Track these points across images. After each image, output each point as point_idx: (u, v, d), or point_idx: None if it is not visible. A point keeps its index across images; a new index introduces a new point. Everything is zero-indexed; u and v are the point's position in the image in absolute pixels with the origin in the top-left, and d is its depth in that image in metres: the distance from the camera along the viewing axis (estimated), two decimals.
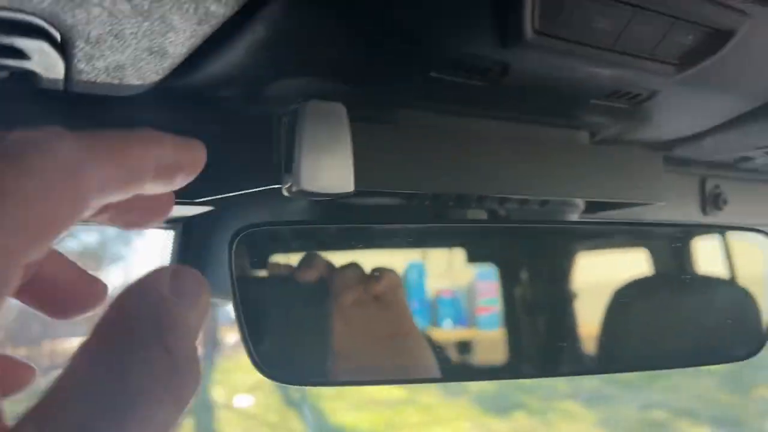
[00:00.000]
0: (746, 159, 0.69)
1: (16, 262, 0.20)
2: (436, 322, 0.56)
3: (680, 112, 0.54)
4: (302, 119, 0.40)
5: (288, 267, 0.46)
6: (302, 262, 0.47)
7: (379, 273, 0.50)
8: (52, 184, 0.21)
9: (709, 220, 0.76)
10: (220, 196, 0.48)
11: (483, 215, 0.54)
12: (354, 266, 0.48)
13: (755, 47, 0.46)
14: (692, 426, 5.68)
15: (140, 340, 0.21)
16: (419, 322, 0.53)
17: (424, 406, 5.95)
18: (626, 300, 0.54)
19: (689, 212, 0.76)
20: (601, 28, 0.40)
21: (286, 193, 0.42)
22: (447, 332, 0.56)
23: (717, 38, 0.44)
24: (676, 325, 0.55)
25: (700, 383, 6.31)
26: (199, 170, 0.30)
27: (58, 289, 0.27)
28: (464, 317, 0.57)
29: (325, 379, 0.49)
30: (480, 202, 0.53)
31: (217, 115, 0.49)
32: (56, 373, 0.20)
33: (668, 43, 0.43)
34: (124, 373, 0.20)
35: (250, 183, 0.44)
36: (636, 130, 0.59)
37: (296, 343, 0.48)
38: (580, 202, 0.58)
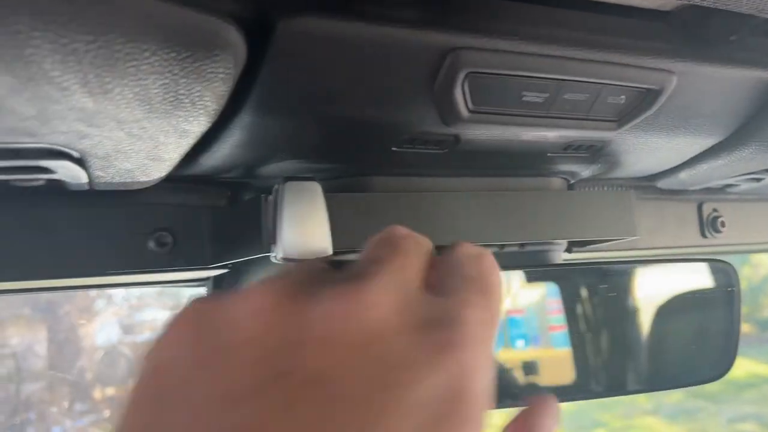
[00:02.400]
0: (730, 185, 0.72)
1: None
2: (507, 343, 0.59)
3: (640, 154, 0.59)
4: (282, 198, 0.47)
5: None
6: None
7: None
8: None
9: (708, 242, 0.79)
10: (229, 262, 0.56)
11: None
12: None
13: (690, 95, 0.50)
14: None
15: None
16: None
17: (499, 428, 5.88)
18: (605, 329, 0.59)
19: (689, 237, 0.79)
20: (532, 100, 0.46)
21: (274, 260, 0.49)
22: (521, 353, 0.59)
23: (649, 95, 0.48)
24: (653, 350, 0.60)
25: None
26: None
27: None
28: (537, 336, 0.60)
29: None
30: None
31: (223, 192, 0.57)
32: None
33: (601, 105, 0.48)
34: None
35: (251, 251, 0.52)
36: (609, 171, 0.64)
37: None
38: (561, 241, 0.63)
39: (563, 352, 0.60)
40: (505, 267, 0.63)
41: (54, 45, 0.30)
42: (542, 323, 0.61)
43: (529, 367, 0.59)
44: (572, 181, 0.64)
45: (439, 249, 0.58)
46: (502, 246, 0.60)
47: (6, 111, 0.34)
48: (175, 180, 0.53)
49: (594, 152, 0.56)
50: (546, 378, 0.59)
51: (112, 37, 0.31)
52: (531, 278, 0.64)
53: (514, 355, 0.59)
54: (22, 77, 0.31)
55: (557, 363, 0.59)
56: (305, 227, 0.47)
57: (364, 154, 0.51)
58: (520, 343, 0.59)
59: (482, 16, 0.41)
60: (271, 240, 0.49)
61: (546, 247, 0.62)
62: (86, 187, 0.48)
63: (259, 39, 0.37)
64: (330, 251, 0.49)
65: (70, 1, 0.28)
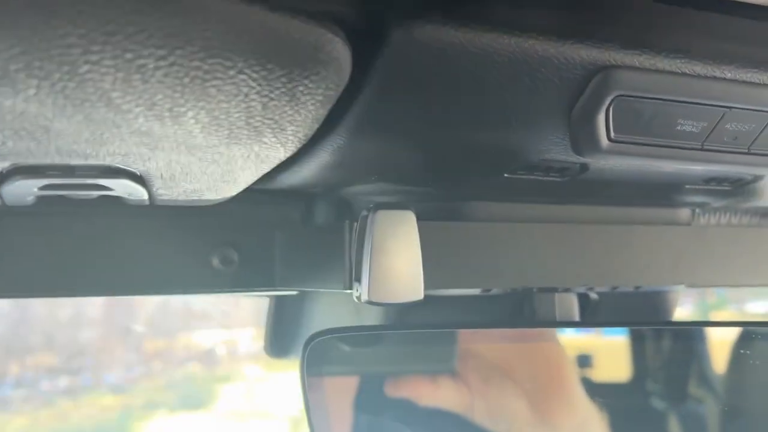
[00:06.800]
0: None
1: None
2: None
3: None
4: (371, 229, 0.40)
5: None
6: None
7: None
8: None
9: None
10: (299, 289, 0.50)
11: (572, 300, 0.52)
12: None
13: None
14: None
15: None
16: None
17: None
18: None
19: None
20: (687, 130, 0.37)
21: (356, 300, 0.42)
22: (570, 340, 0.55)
23: None
24: None
25: None
26: None
27: None
28: None
29: None
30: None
31: (296, 205, 0.50)
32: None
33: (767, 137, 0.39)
34: None
35: (328, 283, 0.45)
36: (745, 202, 0.54)
37: None
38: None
39: None
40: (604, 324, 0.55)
41: (116, 61, 0.23)
42: None
43: None
44: (698, 211, 0.55)
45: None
46: (615, 287, 0.51)
47: (53, 133, 0.27)
48: (245, 198, 0.46)
49: (740, 186, 0.47)
50: None
51: (190, 51, 0.23)
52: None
53: None
54: (74, 98, 0.24)
55: None
56: (395, 267, 0.40)
57: (469, 179, 0.43)
58: None
59: (643, 25, 0.32)
60: (355, 276, 0.41)
61: (665, 288, 0.54)
62: (146, 203, 0.41)
63: (364, 51, 0.29)
64: (421, 294, 0.42)
65: (137, 8, 0.21)
